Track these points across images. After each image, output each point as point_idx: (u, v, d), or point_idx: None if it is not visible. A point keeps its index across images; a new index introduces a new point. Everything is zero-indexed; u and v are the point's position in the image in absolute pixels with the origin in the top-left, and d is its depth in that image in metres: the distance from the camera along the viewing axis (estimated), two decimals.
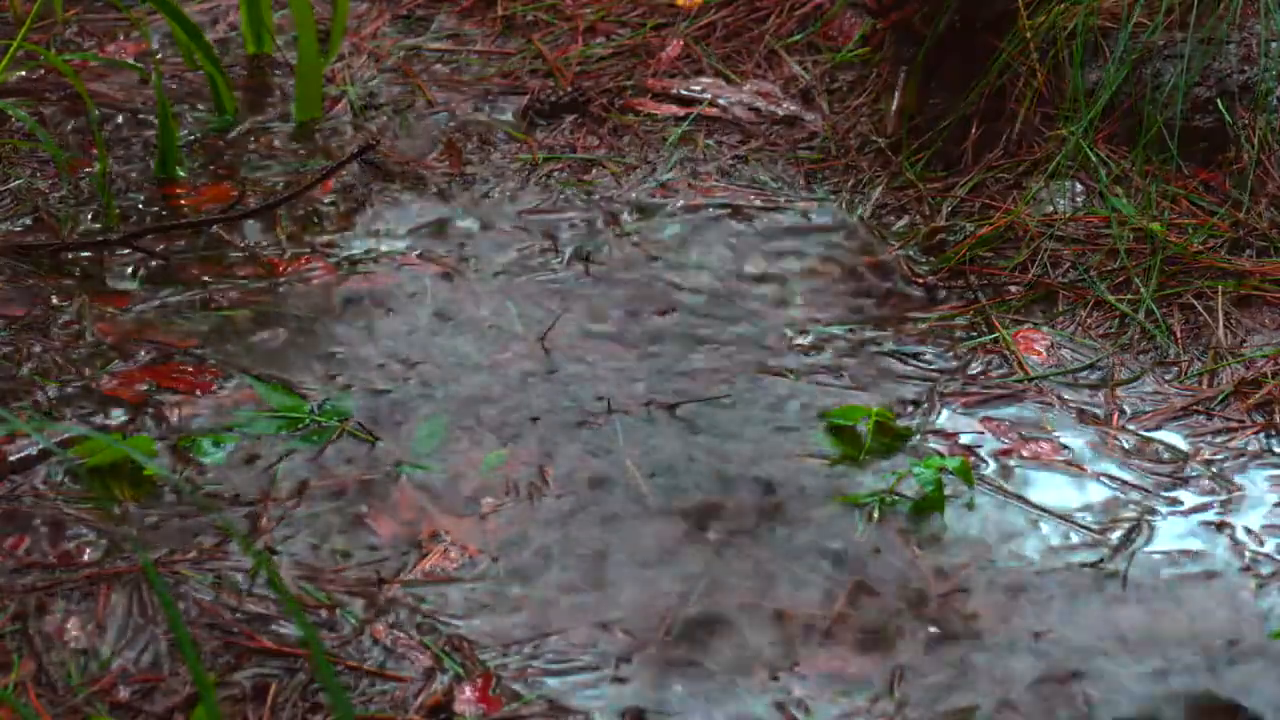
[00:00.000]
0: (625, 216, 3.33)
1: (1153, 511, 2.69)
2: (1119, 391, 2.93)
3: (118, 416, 2.80)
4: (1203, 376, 2.95)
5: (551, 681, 2.38)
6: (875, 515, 2.66)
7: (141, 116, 3.57)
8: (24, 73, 3.67)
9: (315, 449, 2.76)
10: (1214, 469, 2.77)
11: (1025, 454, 2.80)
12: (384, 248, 3.23)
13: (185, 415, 2.81)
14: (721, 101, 3.63)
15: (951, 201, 3.33)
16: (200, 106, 3.61)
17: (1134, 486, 2.74)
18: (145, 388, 2.86)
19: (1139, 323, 3.05)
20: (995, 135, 3.41)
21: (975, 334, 3.06)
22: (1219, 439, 2.83)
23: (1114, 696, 2.38)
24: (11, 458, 2.69)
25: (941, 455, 2.76)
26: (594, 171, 3.46)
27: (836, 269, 3.21)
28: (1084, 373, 2.97)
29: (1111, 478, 2.75)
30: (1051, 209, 3.28)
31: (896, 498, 2.68)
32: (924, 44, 3.42)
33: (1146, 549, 2.62)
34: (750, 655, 2.43)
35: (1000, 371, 2.97)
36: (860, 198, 3.38)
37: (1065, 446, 2.81)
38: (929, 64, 3.45)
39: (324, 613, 2.46)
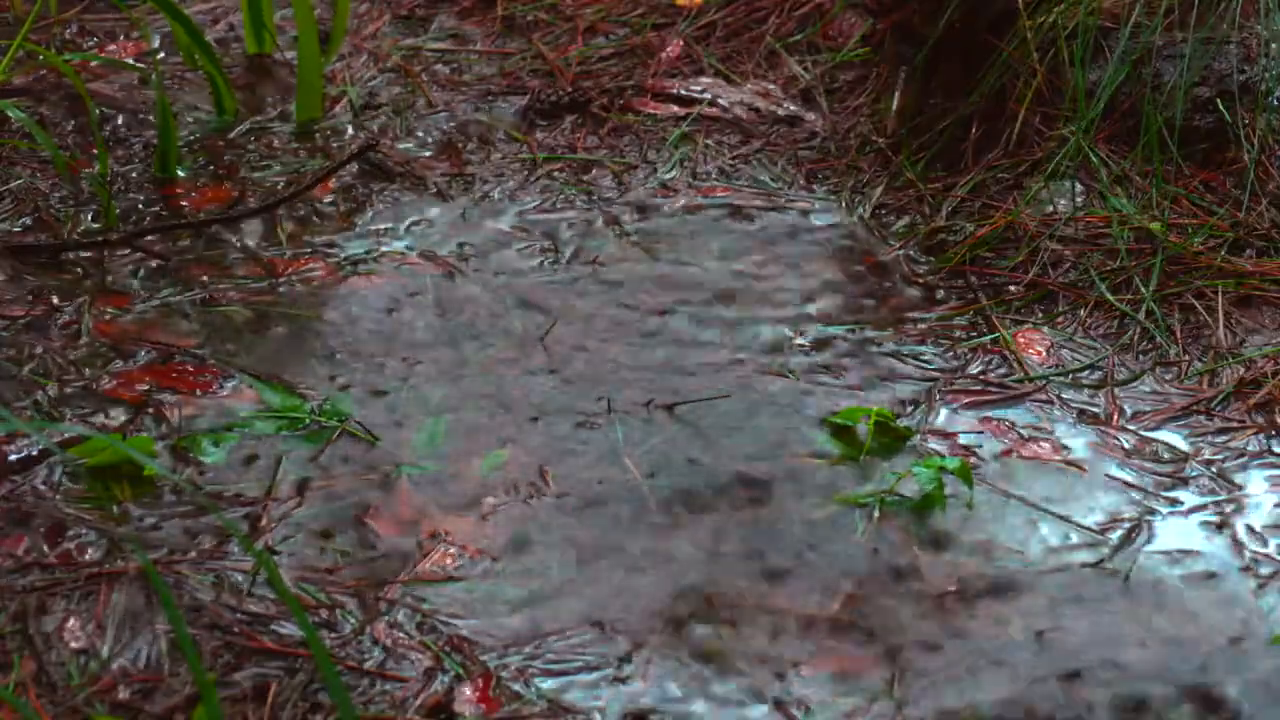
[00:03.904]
0: (625, 216, 3.33)
1: (1153, 511, 2.69)
2: (1119, 391, 2.93)
3: (118, 416, 2.80)
4: (1203, 376, 2.95)
5: (551, 681, 2.38)
6: (875, 515, 2.66)
7: (141, 116, 3.57)
8: (26, 75, 3.67)
9: (315, 449, 2.76)
10: (1214, 469, 2.77)
11: (1025, 454, 2.80)
12: (384, 248, 3.23)
13: (185, 415, 2.81)
14: (722, 101, 3.63)
15: (951, 201, 3.33)
16: (200, 106, 3.61)
17: (1134, 486, 2.74)
18: (145, 388, 2.86)
19: (1139, 323, 3.05)
20: (995, 135, 3.41)
21: (975, 334, 3.06)
22: (1219, 439, 2.83)
23: (1114, 696, 2.38)
24: (11, 458, 2.69)
25: (941, 455, 2.76)
26: (594, 171, 3.46)
27: (836, 269, 3.21)
28: (1084, 373, 2.97)
29: (1111, 478, 2.75)
30: (1051, 209, 3.28)
31: (896, 498, 2.68)
32: (924, 44, 3.42)
33: (1146, 549, 2.62)
34: (750, 655, 2.43)
35: (1000, 371, 2.97)
36: (860, 198, 3.38)
37: (1065, 446, 2.81)
38: (929, 64, 3.45)
39: (324, 613, 2.46)
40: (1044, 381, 2.94)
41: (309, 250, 3.22)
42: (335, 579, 2.53)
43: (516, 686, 2.37)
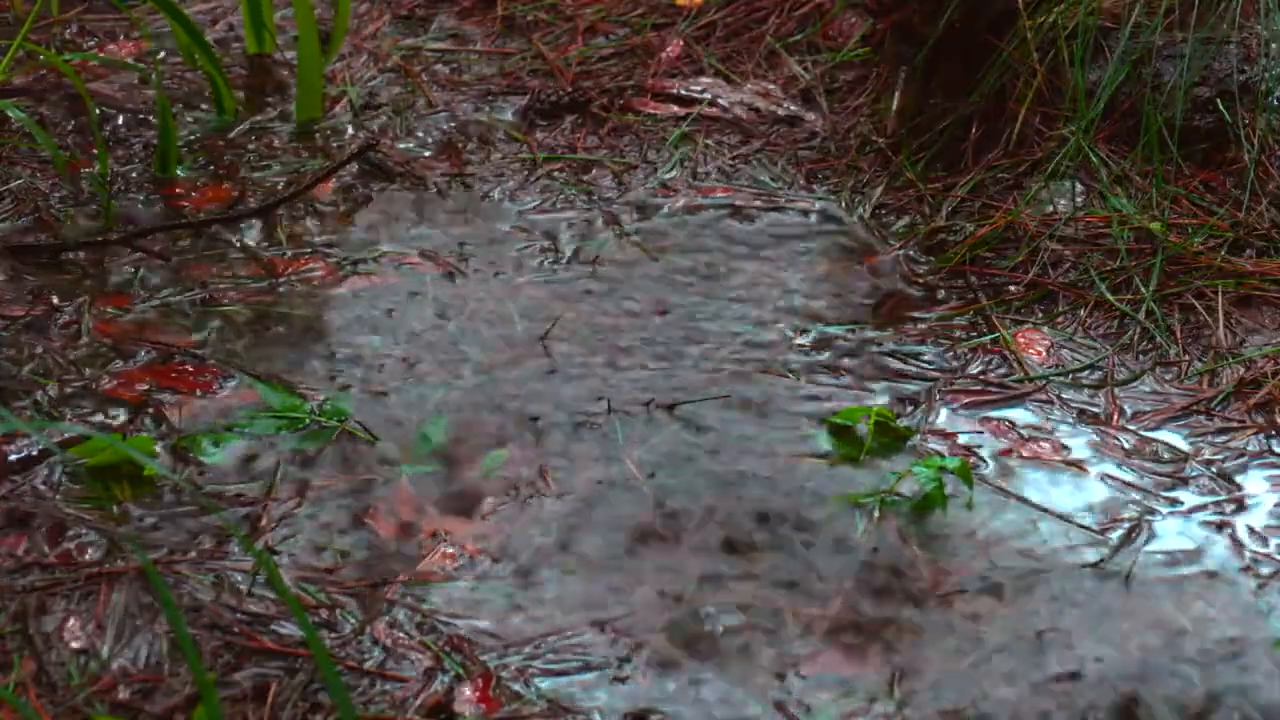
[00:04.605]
0: (625, 216, 3.33)
1: (1153, 511, 2.69)
2: (1119, 391, 2.93)
3: (118, 416, 2.80)
4: (1203, 376, 2.95)
5: (551, 681, 2.38)
6: (875, 515, 2.66)
7: (141, 116, 3.57)
8: (26, 75, 3.67)
9: (315, 449, 2.76)
10: (1214, 469, 2.77)
11: (1025, 454, 2.80)
12: (384, 248, 3.23)
13: (185, 415, 2.81)
14: (722, 101, 3.63)
15: (951, 201, 3.33)
16: (200, 106, 3.61)
17: (1134, 486, 2.74)
18: (145, 388, 2.86)
19: (1139, 323, 3.05)
20: (995, 135, 3.41)
21: (975, 334, 3.06)
22: (1219, 439, 2.83)
23: (1114, 696, 2.38)
24: (11, 458, 2.69)
25: (941, 455, 2.76)
26: (594, 171, 3.46)
27: (836, 269, 3.21)
28: (1084, 373, 2.97)
29: (1111, 478, 2.75)
30: (1051, 209, 3.28)
31: (896, 498, 2.68)
32: (924, 44, 3.42)
33: (1146, 549, 2.62)
34: (750, 655, 2.43)
35: (1000, 371, 2.97)
36: (860, 198, 3.38)
37: (1065, 446, 2.81)
38: (929, 64, 3.45)
39: (324, 613, 2.46)
40: (1044, 381, 2.94)
41: (309, 250, 3.22)
42: (335, 579, 2.53)
43: (516, 686, 2.37)
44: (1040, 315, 3.10)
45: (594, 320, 3.06)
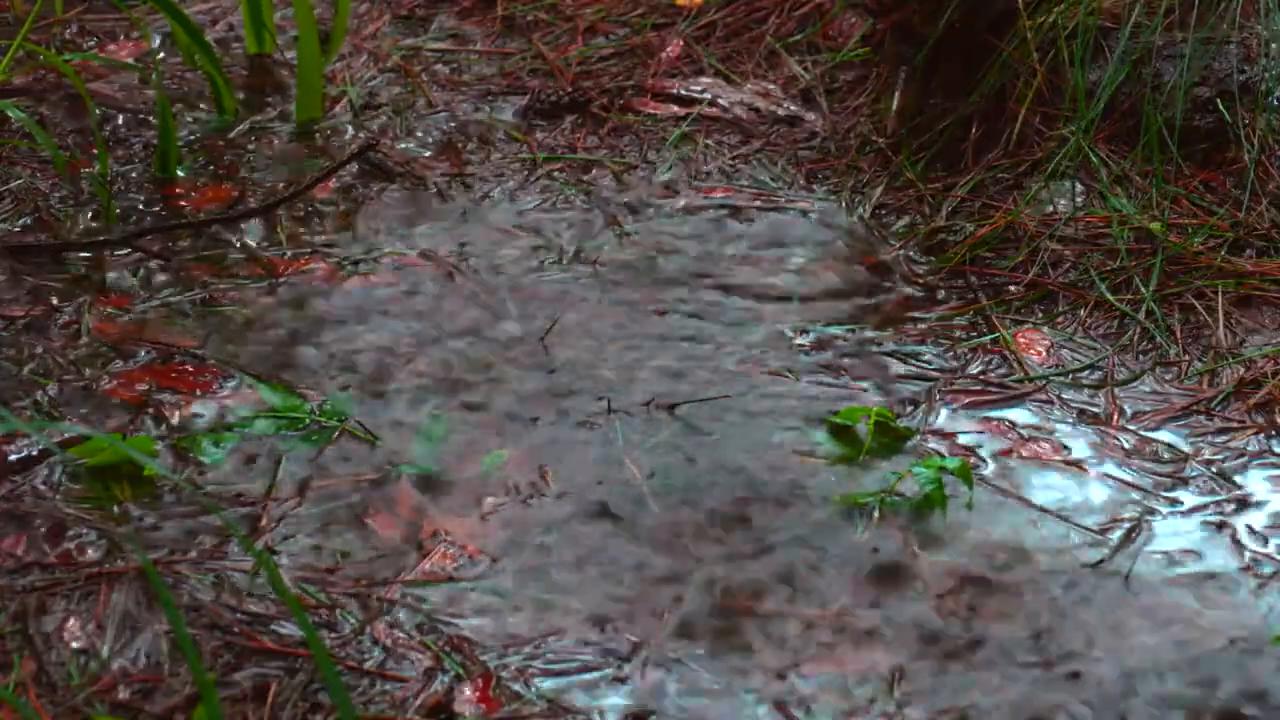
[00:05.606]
0: (625, 216, 3.33)
1: (1153, 511, 2.69)
2: (1119, 391, 2.93)
3: (118, 416, 2.80)
4: (1203, 376, 2.95)
5: (551, 681, 2.38)
6: (875, 515, 2.66)
7: (141, 116, 3.57)
8: (26, 76, 3.67)
9: (315, 449, 2.76)
10: (1214, 469, 2.77)
11: (1025, 454, 2.80)
12: (384, 248, 3.23)
13: (185, 415, 2.81)
14: (722, 101, 3.63)
15: (951, 201, 3.33)
16: (200, 106, 3.61)
17: (1134, 486, 2.74)
18: (145, 388, 2.86)
19: (1139, 323, 3.05)
20: (995, 135, 3.41)
21: (975, 334, 3.06)
22: (1219, 439, 2.83)
23: (1115, 697, 2.38)
24: (11, 458, 2.69)
25: (941, 455, 2.76)
26: (594, 171, 3.46)
27: (836, 269, 3.21)
28: (1084, 373, 2.97)
29: (1111, 478, 2.75)
30: (1051, 209, 3.28)
31: (896, 498, 2.68)
32: (924, 44, 3.42)
33: (1146, 549, 2.62)
34: (750, 655, 2.43)
35: (1000, 371, 2.97)
36: (860, 198, 3.38)
37: (1065, 446, 2.81)
38: (929, 64, 3.45)
39: (324, 613, 2.46)
40: (1044, 381, 2.94)
41: (309, 250, 3.22)
42: (335, 579, 2.53)
43: (516, 686, 2.37)
44: (1040, 315, 3.10)
45: (594, 320, 3.06)
